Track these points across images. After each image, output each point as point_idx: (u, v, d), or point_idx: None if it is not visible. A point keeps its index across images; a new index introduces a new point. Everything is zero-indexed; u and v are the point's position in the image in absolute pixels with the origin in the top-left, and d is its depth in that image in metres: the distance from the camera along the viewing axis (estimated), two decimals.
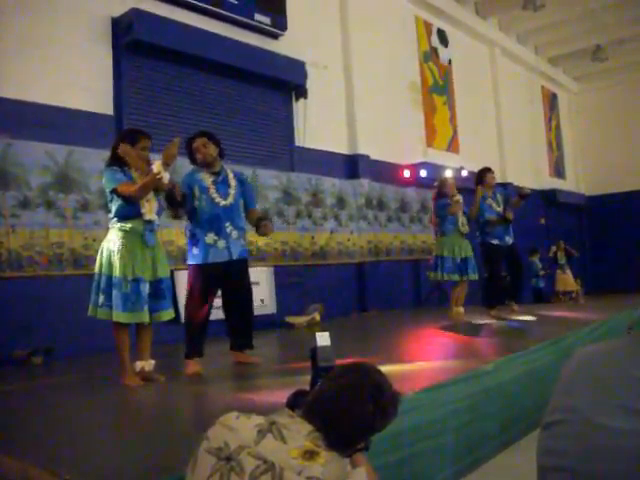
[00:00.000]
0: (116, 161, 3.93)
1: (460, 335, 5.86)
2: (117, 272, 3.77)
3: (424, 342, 5.75)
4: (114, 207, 3.90)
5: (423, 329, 6.51)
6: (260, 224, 4.42)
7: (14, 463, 2.37)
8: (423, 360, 4.39)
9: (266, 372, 4.38)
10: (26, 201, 5.58)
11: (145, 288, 3.84)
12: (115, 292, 3.75)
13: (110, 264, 3.81)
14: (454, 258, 6.66)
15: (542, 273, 11.95)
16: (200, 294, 4.30)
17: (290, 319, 7.45)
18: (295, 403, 1.61)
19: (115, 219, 3.90)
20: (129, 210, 3.87)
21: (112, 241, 3.84)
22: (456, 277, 6.71)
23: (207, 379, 4.21)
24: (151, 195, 3.95)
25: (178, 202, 4.13)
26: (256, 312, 7.33)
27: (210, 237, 4.26)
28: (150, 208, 3.94)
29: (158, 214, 4.04)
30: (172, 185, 4.02)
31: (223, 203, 4.31)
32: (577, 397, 1.18)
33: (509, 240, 7.03)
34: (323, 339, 2.00)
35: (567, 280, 12.83)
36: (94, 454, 2.46)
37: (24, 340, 5.31)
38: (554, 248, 12.92)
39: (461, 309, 6.86)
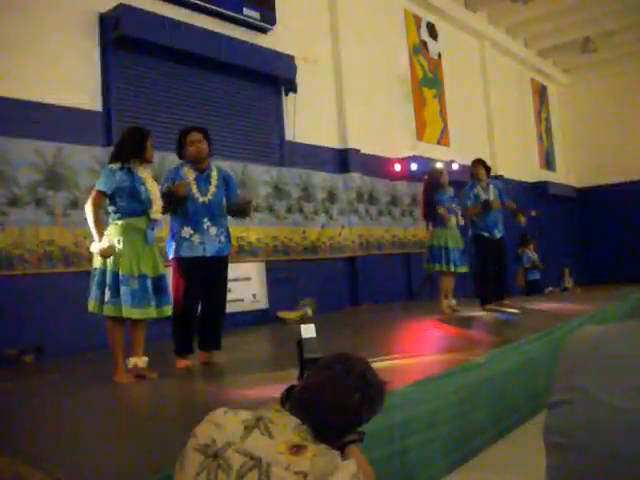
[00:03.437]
0: (119, 157, 3.95)
1: (452, 328, 5.88)
2: (124, 268, 3.78)
3: (416, 335, 5.77)
4: (119, 203, 3.90)
5: (415, 322, 6.52)
6: (239, 203, 4.51)
7: (6, 462, 2.36)
8: (415, 353, 4.40)
9: (258, 367, 4.38)
10: (15, 199, 5.54)
11: (149, 284, 3.87)
12: (124, 288, 3.75)
13: (115, 260, 3.80)
14: (446, 249, 6.64)
15: (528, 266, 11.67)
16: (183, 288, 4.28)
17: (282, 314, 7.44)
18: (288, 399, 1.61)
19: (118, 215, 3.90)
20: (136, 207, 3.91)
21: (115, 237, 3.84)
22: (450, 268, 6.68)
23: (198, 375, 4.21)
24: (158, 195, 4.02)
25: (177, 201, 4.24)
26: (248, 307, 7.43)
27: (186, 231, 4.27)
28: (157, 208, 4.00)
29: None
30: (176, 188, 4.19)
31: (202, 199, 4.31)
32: (583, 376, 1.18)
33: (498, 234, 7.06)
34: (308, 331, 2.00)
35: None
36: (86, 452, 2.46)
37: (15, 339, 5.29)
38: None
39: (452, 301, 6.87)
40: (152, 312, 3.88)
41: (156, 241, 4.12)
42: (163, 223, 4.33)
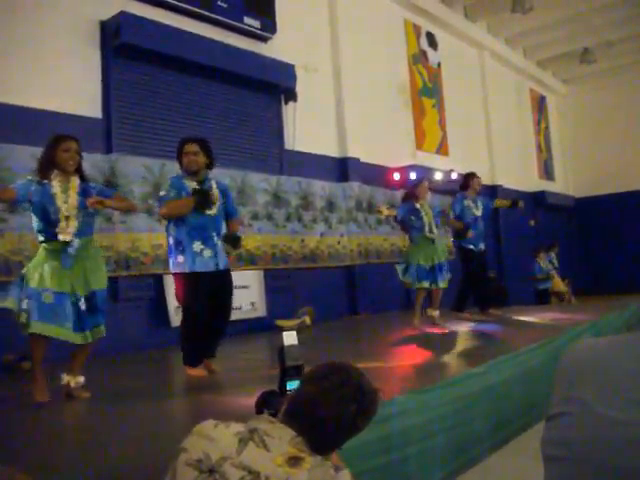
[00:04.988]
0: (40, 169, 3.67)
1: (449, 338, 5.87)
2: (34, 282, 3.54)
3: (414, 345, 5.75)
4: (35, 222, 3.63)
5: (413, 332, 6.50)
6: (233, 243, 4.44)
7: (0, 469, 2.35)
8: (413, 363, 4.39)
9: (255, 376, 4.36)
10: (14, 205, 5.53)
11: (69, 304, 3.59)
12: (32, 302, 3.52)
13: (30, 275, 3.57)
14: (422, 265, 6.51)
15: (540, 277, 11.67)
16: (197, 302, 4.23)
17: (280, 323, 7.42)
18: (264, 405, 1.59)
19: (38, 237, 3.64)
20: (47, 229, 3.60)
21: (37, 259, 3.61)
22: (425, 285, 6.56)
23: (194, 385, 4.18)
24: (72, 212, 3.61)
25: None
26: (246, 315, 7.42)
27: (197, 245, 4.21)
28: (65, 226, 3.58)
29: (83, 234, 3.68)
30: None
31: (209, 212, 4.28)
32: (581, 389, 1.18)
33: (482, 247, 7.22)
34: (290, 338, 2.00)
35: (558, 282, 12.78)
36: (82, 461, 2.45)
37: (13, 345, 5.26)
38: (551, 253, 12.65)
39: (436, 312, 6.79)
40: (67, 334, 3.58)
41: (93, 256, 3.78)
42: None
